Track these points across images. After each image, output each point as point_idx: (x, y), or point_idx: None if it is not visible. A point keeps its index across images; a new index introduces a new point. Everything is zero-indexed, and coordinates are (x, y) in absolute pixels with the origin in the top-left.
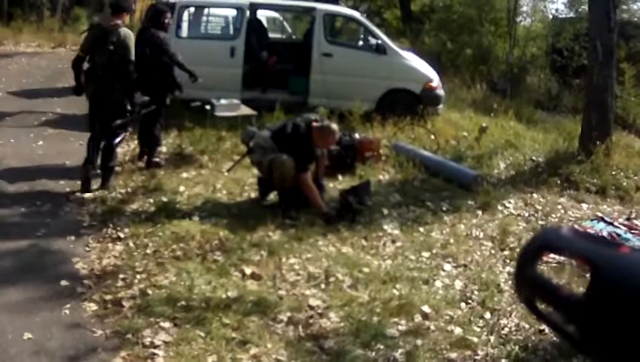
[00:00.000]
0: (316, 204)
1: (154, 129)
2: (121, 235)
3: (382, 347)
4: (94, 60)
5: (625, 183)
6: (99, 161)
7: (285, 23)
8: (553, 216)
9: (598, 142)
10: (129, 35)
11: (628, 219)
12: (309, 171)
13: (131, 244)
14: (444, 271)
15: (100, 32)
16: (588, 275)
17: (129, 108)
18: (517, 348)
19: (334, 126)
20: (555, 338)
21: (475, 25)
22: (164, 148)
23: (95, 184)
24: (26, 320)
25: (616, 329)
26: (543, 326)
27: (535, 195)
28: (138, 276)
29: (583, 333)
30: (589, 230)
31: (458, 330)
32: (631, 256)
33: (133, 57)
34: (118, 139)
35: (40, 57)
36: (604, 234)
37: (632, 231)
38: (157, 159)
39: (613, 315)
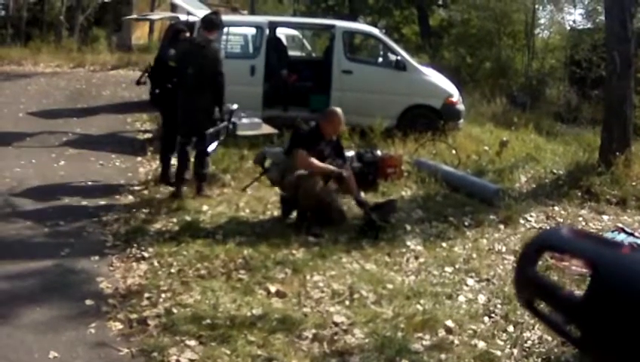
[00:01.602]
0: (327, 171)
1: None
2: (145, 255)
3: None
4: (186, 71)
5: None
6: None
7: (305, 41)
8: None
9: (617, 154)
10: (219, 50)
11: None
12: (307, 153)
13: (156, 263)
14: (467, 285)
15: (193, 47)
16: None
17: (219, 116)
18: (540, 360)
19: (337, 109)
20: (577, 351)
21: (494, 38)
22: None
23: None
24: (52, 339)
25: (617, 330)
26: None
27: (556, 208)
28: (163, 295)
29: (583, 334)
30: None
31: (482, 344)
32: (631, 257)
33: (222, 69)
34: (211, 148)
35: (59, 77)
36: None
37: None
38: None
39: (613, 315)
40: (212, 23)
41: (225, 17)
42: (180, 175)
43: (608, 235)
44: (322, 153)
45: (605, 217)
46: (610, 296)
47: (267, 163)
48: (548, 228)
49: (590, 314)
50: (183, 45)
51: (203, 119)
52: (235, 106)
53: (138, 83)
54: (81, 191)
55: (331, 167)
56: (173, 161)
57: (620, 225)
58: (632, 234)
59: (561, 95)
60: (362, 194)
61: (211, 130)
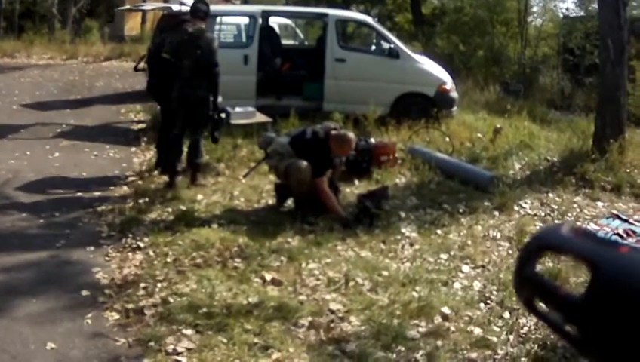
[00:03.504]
0: (333, 210)
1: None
2: (141, 244)
3: (403, 349)
4: (181, 63)
5: (639, 180)
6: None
7: (297, 30)
8: (569, 214)
9: (611, 140)
10: (214, 40)
11: None
12: (325, 177)
13: (151, 253)
14: (462, 272)
15: (188, 37)
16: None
17: (213, 107)
18: (536, 346)
19: (351, 134)
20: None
21: (487, 26)
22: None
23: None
24: (49, 330)
25: (616, 330)
26: None
27: (551, 195)
28: (159, 284)
29: (582, 333)
30: (605, 228)
31: (478, 330)
32: (631, 256)
33: (217, 60)
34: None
35: (52, 69)
36: (620, 231)
37: None
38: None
39: (612, 315)
40: (202, 12)
41: (218, 7)
42: (173, 165)
43: (603, 222)
44: (332, 162)
45: (600, 204)
46: (610, 295)
47: (269, 149)
48: (547, 226)
49: (589, 314)
50: (176, 36)
51: (198, 109)
52: (219, 99)
53: (136, 69)
54: (76, 183)
55: (339, 209)
56: None
57: (615, 211)
58: (627, 221)
59: (555, 82)
60: (357, 181)
61: (215, 116)
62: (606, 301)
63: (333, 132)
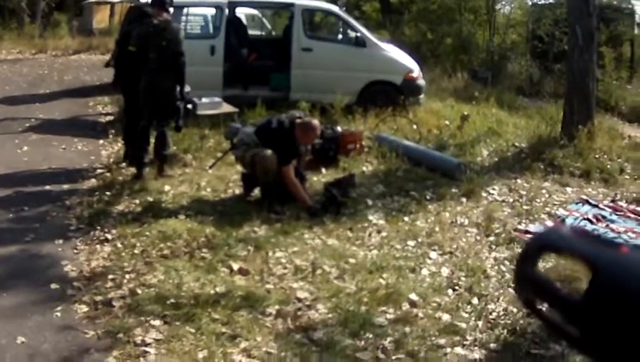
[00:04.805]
0: (300, 198)
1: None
2: (109, 237)
3: (371, 336)
4: (147, 54)
5: (609, 166)
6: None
7: (264, 20)
8: (538, 200)
9: (580, 126)
10: (180, 30)
11: (613, 201)
12: (291, 165)
13: (119, 245)
14: (430, 259)
15: (154, 29)
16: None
17: (180, 97)
18: (505, 332)
19: (316, 122)
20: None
21: (455, 14)
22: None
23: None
24: (19, 324)
25: (616, 330)
26: None
27: (519, 181)
28: (127, 276)
29: (582, 333)
30: (574, 213)
31: (446, 317)
32: (631, 257)
33: (183, 50)
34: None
35: (21, 64)
36: (590, 216)
37: (618, 213)
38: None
39: (612, 316)
40: (166, 3)
41: None
42: (141, 156)
43: (572, 207)
44: (298, 151)
45: (569, 189)
46: (610, 296)
47: (235, 139)
48: (548, 227)
49: (589, 314)
50: (142, 28)
51: (165, 100)
52: (188, 88)
53: (107, 65)
54: (45, 176)
55: (306, 197)
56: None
57: (584, 196)
58: (596, 206)
59: (523, 69)
60: (324, 170)
61: (181, 106)
62: (605, 301)
63: (298, 120)
